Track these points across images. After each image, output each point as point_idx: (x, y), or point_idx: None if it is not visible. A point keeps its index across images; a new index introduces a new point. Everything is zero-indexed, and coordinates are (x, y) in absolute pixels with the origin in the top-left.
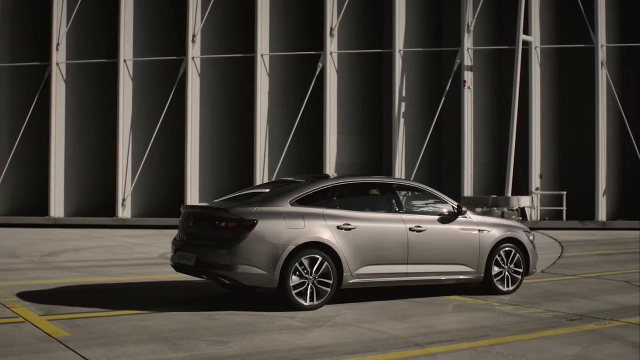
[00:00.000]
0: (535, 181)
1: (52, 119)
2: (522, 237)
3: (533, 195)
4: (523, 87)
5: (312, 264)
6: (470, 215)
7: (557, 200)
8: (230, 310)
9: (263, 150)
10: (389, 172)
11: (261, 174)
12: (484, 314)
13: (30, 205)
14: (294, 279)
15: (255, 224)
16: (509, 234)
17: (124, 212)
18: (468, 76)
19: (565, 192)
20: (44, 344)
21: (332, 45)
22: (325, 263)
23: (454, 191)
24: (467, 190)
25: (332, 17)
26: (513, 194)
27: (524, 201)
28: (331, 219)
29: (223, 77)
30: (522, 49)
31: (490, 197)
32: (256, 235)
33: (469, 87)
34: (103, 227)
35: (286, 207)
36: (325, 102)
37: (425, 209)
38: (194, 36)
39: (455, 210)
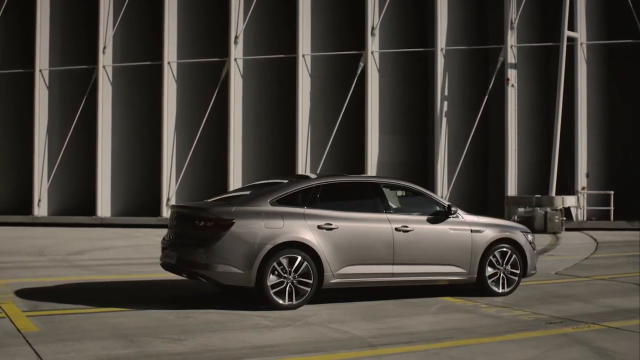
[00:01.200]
0: (582, 180)
1: (99, 120)
2: (519, 237)
3: (579, 194)
4: (569, 85)
5: (291, 264)
6: (463, 216)
7: (605, 200)
8: (210, 309)
9: (305, 150)
10: (432, 172)
11: (302, 173)
12: (464, 316)
13: (79, 205)
14: (272, 279)
15: (233, 223)
16: (504, 234)
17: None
18: (512, 74)
19: (612, 192)
20: (9, 339)
21: (373, 44)
22: (305, 263)
23: (500, 191)
24: (512, 189)
25: (374, 17)
26: (558, 193)
27: (569, 201)
28: (312, 219)
29: (265, 77)
30: (568, 46)
31: (533, 197)
32: (233, 235)
33: (512, 85)
34: (147, 227)
35: (265, 207)
36: (366, 102)
37: (414, 208)
38: (236, 37)
39: (445, 210)
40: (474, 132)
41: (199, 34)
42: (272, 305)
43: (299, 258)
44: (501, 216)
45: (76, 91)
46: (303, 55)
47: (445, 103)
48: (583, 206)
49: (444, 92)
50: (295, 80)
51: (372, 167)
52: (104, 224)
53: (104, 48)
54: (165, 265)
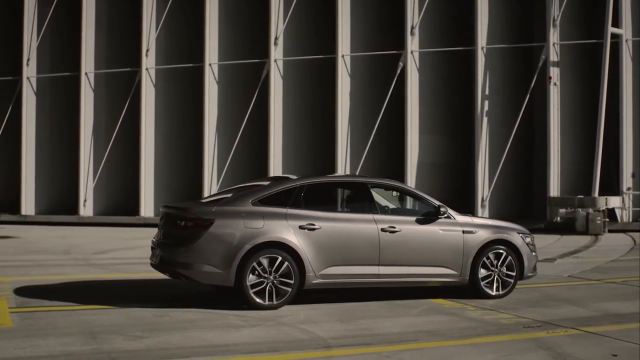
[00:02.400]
0: (627, 181)
1: (142, 122)
2: (515, 239)
3: (624, 195)
4: (613, 82)
5: (271, 264)
6: (455, 216)
7: None
8: (191, 308)
9: (344, 150)
10: (472, 172)
11: (342, 173)
12: (443, 318)
13: (123, 205)
14: (252, 278)
15: (212, 223)
16: (498, 235)
17: None
18: (554, 72)
19: None
20: None
21: (413, 44)
22: (286, 263)
23: (543, 191)
24: (554, 190)
25: (413, 16)
26: (603, 194)
27: (613, 202)
28: (294, 219)
29: (305, 78)
30: (612, 42)
31: (576, 198)
32: (212, 235)
33: (555, 84)
34: None
35: (247, 207)
36: (406, 102)
37: (402, 209)
38: (276, 39)
39: (435, 211)
40: (516, 131)
41: (239, 36)
42: (253, 305)
43: (280, 258)
44: (544, 217)
45: (120, 93)
46: (342, 56)
47: (486, 102)
48: (628, 207)
49: (484, 91)
50: (335, 81)
51: (411, 168)
52: (147, 224)
53: (147, 51)
54: (154, 265)
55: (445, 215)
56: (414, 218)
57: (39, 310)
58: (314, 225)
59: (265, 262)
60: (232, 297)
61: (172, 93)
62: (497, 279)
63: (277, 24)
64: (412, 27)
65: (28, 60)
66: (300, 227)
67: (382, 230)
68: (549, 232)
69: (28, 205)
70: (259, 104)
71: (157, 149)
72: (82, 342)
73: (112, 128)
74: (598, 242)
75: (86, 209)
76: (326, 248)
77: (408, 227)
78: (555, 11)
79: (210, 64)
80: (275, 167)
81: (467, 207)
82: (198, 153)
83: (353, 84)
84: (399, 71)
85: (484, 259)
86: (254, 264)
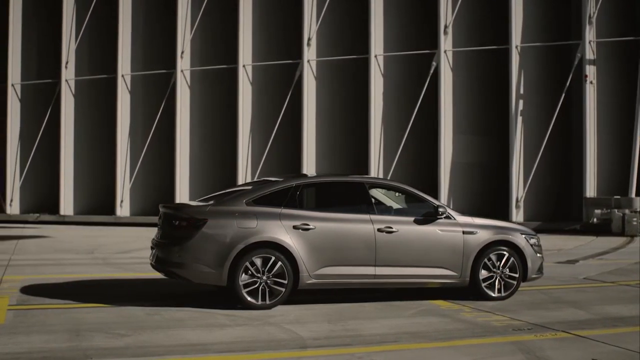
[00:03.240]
0: None
1: (177, 123)
2: (518, 240)
3: None
4: None
5: (264, 264)
6: (456, 216)
7: None
8: (184, 307)
9: (378, 149)
10: (507, 172)
11: (375, 174)
12: (434, 320)
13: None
14: (244, 278)
15: (205, 223)
16: (500, 236)
17: None
18: (590, 70)
19: None
20: None
21: (446, 43)
22: (279, 263)
23: (580, 192)
24: (590, 190)
25: (446, 15)
26: None
27: None
28: (288, 219)
29: (338, 78)
30: None
31: (612, 198)
32: (205, 234)
33: (591, 82)
34: None
35: (240, 206)
36: (439, 101)
37: (401, 209)
38: (309, 39)
39: (434, 211)
40: (551, 131)
41: (273, 37)
42: (246, 304)
43: (273, 258)
44: (581, 218)
45: (156, 95)
46: (375, 56)
47: (521, 101)
48: None
49: (519, 90)
50: (368, 81)
51: (445, 168)
52: None
53: (182, 53)
54: (152, 265)
55: (445, 216)
56: (412, 218)
57: (35, 308)
58: (308, 225)
59: (258, 262)
60: (230, 297)
61: (207, 94)
62: (499, 280)
63: (310, 25)
64: (445, 26)
65: (67, 63)
66: (294, 227)
67: (379, 230)
68: (585, 233)
69: (67, 205)
70: (292, 104)
71: (192, 150)
72: (64, 340)
73: (148, 129)
74: (631, 244)
75: (123, 209)
76: (321, 248)
77: (406, 228)
78: (592, 8)
79: (244, 65)
80: (309, 167)
81: (502, 207)
82: (232, 153)
83: (386, 84)
84: (432, 71)
85: (485, 260)
86: (247, 263)
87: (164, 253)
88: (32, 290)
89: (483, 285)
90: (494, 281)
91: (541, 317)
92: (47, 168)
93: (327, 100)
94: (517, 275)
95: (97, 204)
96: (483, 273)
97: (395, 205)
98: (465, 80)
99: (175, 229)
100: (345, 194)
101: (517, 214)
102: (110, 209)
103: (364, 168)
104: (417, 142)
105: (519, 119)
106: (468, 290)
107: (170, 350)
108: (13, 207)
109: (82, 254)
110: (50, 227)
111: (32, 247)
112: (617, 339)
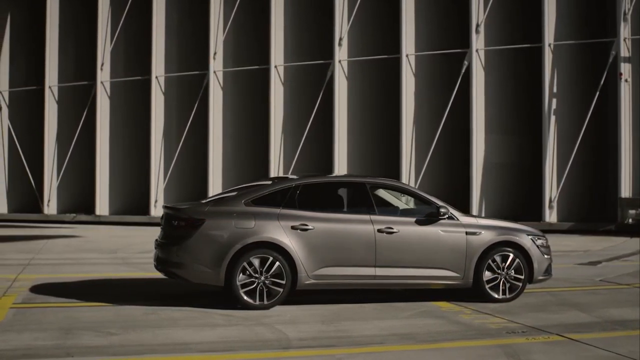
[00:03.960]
0: None
1: (210, 123)
2: (524, 240)
3: None
4: None
5: (262, 264)
6: (459, 217)
7: None
8: (182, 307)
9: (409, 149)
10: (540, 172)
11: (407, 174)
12: (430, 322)
13: None
14: (242, 278)
15: (203, 223)
16: (505, 237)
17: None
18: (625, 68)
19: None
20: None
21: (478, 42)
22: (277, 263)
23: (615, 192)
24: (625, 190)
25: (478, 13)
26: None
27: None
28: (286, 219)
29: (369, 78)
30: None
31: None
32: (203, 234)
33: (626, 80)
34: None
35: (239, 207)
36: (471, 101)
37: (403, 210)
38: (340, 40)
39: (436, 211)
40: (585, 130)
41: (304, 38)
42: (244, 304)
43: (271, 258)
44: (615, 218)
45: (189, 96)
46: (407, 55)
47: (554, 100)
48: None
49: (552, 89)
50: (399, 81)
51: (477, 168)
52: None
53: (215, 54)
54: (155, 265)
55: (447, 216)
56: (413, 219)
57: (35, 307)
58: (306, 225)
59: (256, 262)
60: (231, 297)
61: (239, 95)
62: (503, 282)
63: (342, 25)
64: (477, 25)
65: (102, 65)
66: (293, 228)
67: (379, 231)
68: (620, 234)
69: (102, 205)
70: (324, 104)
71: (224, 150)
72: (52, 338)
73: (182, 130)
74: None
75: (157, 209)
76: (319, 249)
77: (406, 228)
78: (627, 4)
79: (276, 66)
80: (340, 167)
81: (535, 208)
82: (264, 154)
83: (417, 83)
84: (463, 70)
85: (489, 261)
86: (245, 264)
87: (164, 253)
88: (41, 289)
89: (487, 286)
90: (499, 283)
91: (540, 320)
92: (84, 169)
93: (359, 100)
94: (522, 277)
95: (132, 204)
96: (487, 274)
97: (397, 206)
98: (498, 79)
99: (175, 229)
100: (345, 194)
101: (551, 215)
102: (145, 209)
103: (395, 168)
104: (448, 142)
105: (552, 118)
106: (471, 291)
107: (152, 349)
108: (50, 208)
109: (105, 254)
110: (84, 227)
111: (59, 246)
112: (610, 343)
